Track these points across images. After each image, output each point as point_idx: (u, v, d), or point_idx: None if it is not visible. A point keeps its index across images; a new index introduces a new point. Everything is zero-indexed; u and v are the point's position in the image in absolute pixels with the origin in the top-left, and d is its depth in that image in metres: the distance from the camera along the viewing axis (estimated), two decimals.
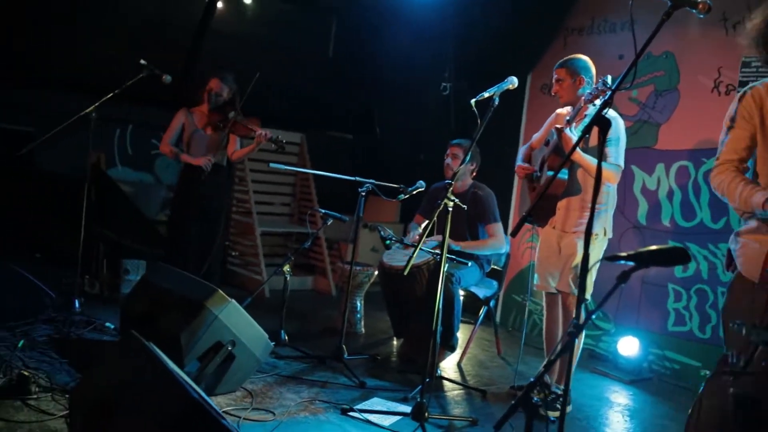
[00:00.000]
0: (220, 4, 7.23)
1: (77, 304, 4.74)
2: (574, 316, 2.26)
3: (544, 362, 2.37)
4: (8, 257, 4.63)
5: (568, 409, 4.01)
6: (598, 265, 3.91)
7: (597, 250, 3.95)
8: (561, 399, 3.87)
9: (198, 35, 7.26)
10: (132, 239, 5.92)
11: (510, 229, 5.71)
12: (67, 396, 3.27)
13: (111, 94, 4.81)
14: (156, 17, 7.02)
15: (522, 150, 4.38)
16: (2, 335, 4.10)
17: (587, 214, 3.88)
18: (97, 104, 4.72)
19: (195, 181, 5.20)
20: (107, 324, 4.57)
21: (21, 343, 3.96)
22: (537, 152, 4.17)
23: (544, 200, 3.76)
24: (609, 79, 3.38)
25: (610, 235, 3.99)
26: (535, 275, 4.23)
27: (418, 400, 3.43)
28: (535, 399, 2.30)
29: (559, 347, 2.33)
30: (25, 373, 3.36)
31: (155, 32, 7.02)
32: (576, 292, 3.79)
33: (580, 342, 4.17)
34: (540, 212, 3.90)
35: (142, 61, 4.82)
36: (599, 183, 2.30)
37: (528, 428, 2.28)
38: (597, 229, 3.89)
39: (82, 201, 4.79)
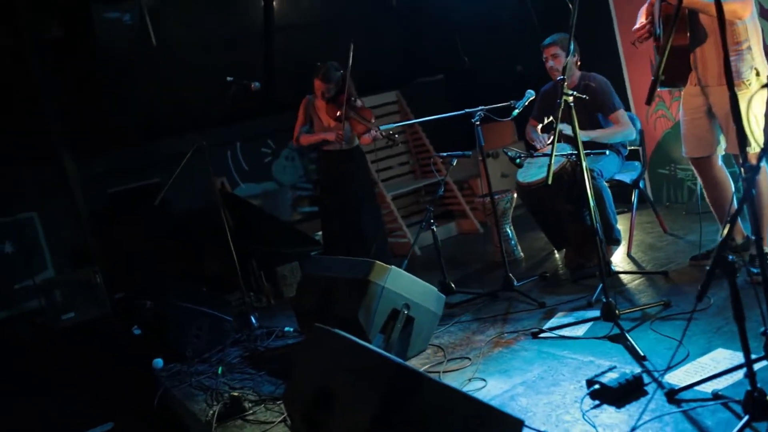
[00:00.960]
0: (275, 1, 7.28)
1: (254, 320, 4.98)
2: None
3: (727, 218, 2.23)
4: (179, 299, 4.93)
5: None
6: (764, 109, 3.41)
7: (759, 98, 3.45)
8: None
9: (267, 37, 7.37)
10: (278, 246, 6.14)
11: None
12: (279, 402, 3.45)
13: (214, 119, 4.97)
14: (223, 36, 7.19)
15: (642, 9, 3.80)
16: (202, 369, 4.39)
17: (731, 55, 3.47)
18: (202, 137, 4.89)
19: (333, 167, 5.25)
20: (286, 328, 4.77)
21: (220, 369, 4.23)
22: (657, 4, 3.62)
23: (672, 57, 3.24)
24: None
25: (766, 75, 3.47)
26: (683, 144, 3.90)
27: (604, 300, 3.35)
28: (731, 258, 2.18)
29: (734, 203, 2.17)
30: (235, 394, 3.58)
31: (228, 50, 7.20)
32: (754, 147, 3.47)
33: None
34: (674, 72, 3.53)
35: (229, 78, 4.94)
36: (724, 24, 2.09)
37: (734, 289, 2.17)
38: (746, 74, 3.43)
39: (223, 226, 5.01)
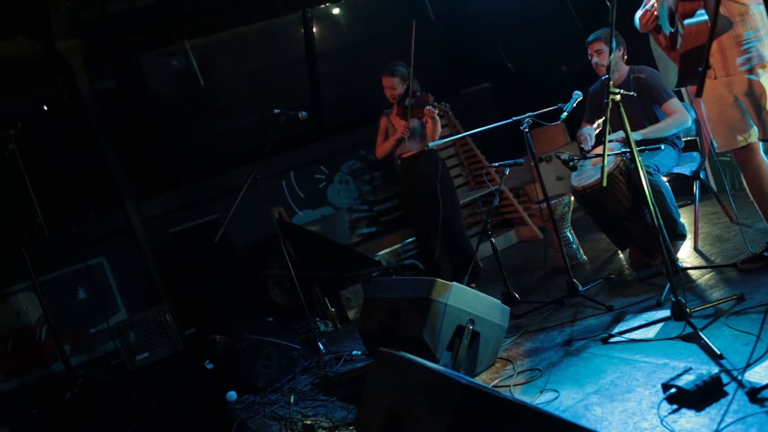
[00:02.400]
0: (315, 29, 7.39)
1: (321, 347, 5.02)
2: None
3: None
4: (248, 332, 5.01)
5: None
6: None
7: None
8: None
9: (310, 65, 7.48)
10: (339, 269, 6.19)
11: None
12: (351, 428, 3.46)
13: (266, 151, 5.07)
14: (267, 69, 7.33)
15: (638, 13, 3.83)
16: (274, 398, 4.45)
17: (746, 44, 3.42)
18: (254, 170, 4.99)
19: (408, 173, 5.40)
20: (354, 352, 4.80)
21: (292, 398, 4.28)
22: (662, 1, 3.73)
23: (692, 54, 3.38)
24: None
25: None
26: (713, 140, 3.79)
27: (673, 299, 3.25)
28: None
29: None
30: (308, 422, 3.62)
31: (273, 82, 7.34)
32: None
33: None
34: (692, 69, 3.48)
35: (276, 110, 5.04)
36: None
37: None
38: (767, 57, 3.41)
39: (283, 255, 5.08)
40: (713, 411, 2.46)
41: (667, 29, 3.64)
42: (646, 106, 4.58)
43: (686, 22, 3.51)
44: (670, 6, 3.55)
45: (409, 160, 5.41)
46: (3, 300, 6.72)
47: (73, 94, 6.24)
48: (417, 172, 5.36)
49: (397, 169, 5.55)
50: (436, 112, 5.04)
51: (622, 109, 3.25)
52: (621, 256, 5.04)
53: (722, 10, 3.43)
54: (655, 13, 3.64)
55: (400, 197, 5.73)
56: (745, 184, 3.83)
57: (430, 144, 5.22)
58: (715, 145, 3.81)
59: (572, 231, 5.41)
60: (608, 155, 3.34)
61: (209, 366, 5.46)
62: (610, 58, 3.35)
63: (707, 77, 3.52)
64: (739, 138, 3.65)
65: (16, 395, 6.54)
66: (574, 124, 5.07)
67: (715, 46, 3.48)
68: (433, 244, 5.24)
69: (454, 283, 3.69)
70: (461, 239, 5.41)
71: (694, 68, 3.39)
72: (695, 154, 4.78)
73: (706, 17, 3.41)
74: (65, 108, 6.48)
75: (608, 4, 3.20)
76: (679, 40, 3.59)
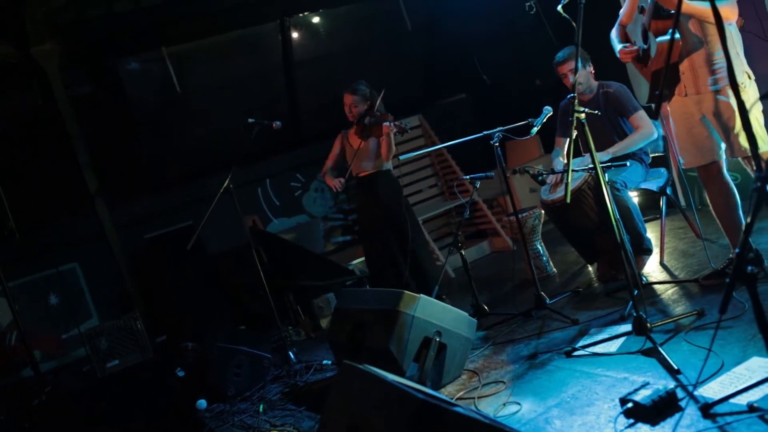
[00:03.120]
0: (294, 37, 7.41)
1: (292, 356, 5.04)
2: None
3: (743, 229, 2.20)
4: (218, 340, 5.02)
5: None
6: (760, 108, 3.54)
7: (752, 98, 3.52)
8: None
9: (287, 72, 7.50)
10: (312, 279, 6.21)
11: None
12: None
13: (236, 162, 5.07)
14: (245, 77, 7.35)
15: (614, 33, 3.96)
16: (244, 407, 4.45)
17: (717, 65, 3.49)
18: (229, 177, 4.99)
19: (365, 193, 5.33)
20: (324, 361, 4.82)
21: (261, 407, 4.29)
22: (632, 26, 3.80)
23: (658, 72, 3.45)
24: None
25: (753, 76, 3.56)
26: (679, 157, 3.85)
27: (635, 314, 3.32)
28: (750, 268, 2.16)
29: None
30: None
31: (250, 90, 7.36)
32: (761, 147, 3.46)
33: None
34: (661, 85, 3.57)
35: (250, 120, 5.04)
36: (722, 26, 2.11)
37: (755, 301, 2.14)
38: (740, 77, 3.47)
39: (257, 264, 5.09)
40: (667, 426, 2.52)
41: (640, 45, 3.71)
42: (614, 120, 4.67)
43: (658, 39, 3.58)
44: (643, 23, 3.62)
45: (364, 180, 5.31)
46: None
47: (48, 98, 6.21)
48: (374, 194, 5.26)
49: (352, 189, 5.48)
50: (394, 130, 4.96)
51: (587, 128, 3.32)
52: (590, 269, 5.11)
53: (695, 30, 3.50)
54: (639, 53, 3.71)
55: (356, 213, 5.60)
56: (708, 201, 3.90)
57: (387, 165, 5.22)
58: (682, 161, 3.87)
59: (542, 243, 5.48)
60: (574, 170, 3.41)
61: (180, 374, 5.45)
62: (575, 76, 3.42)
63: (677, 94, 3.62)
64: (707, 155, 3.71)
65: None
66: (548, 136, 5.14)
67: (686, 64, 3.55)
68: (400, 268, 5.17)
69: (421, 295, 3.73)
70: (426, 264, 5.33)
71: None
72: (662, 170, 4.87)
73: (677, 36, 3.47)
74: (40, 112, 6.45)
75: (574, 24, 3.27)
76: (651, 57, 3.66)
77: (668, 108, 3.77)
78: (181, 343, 5.81)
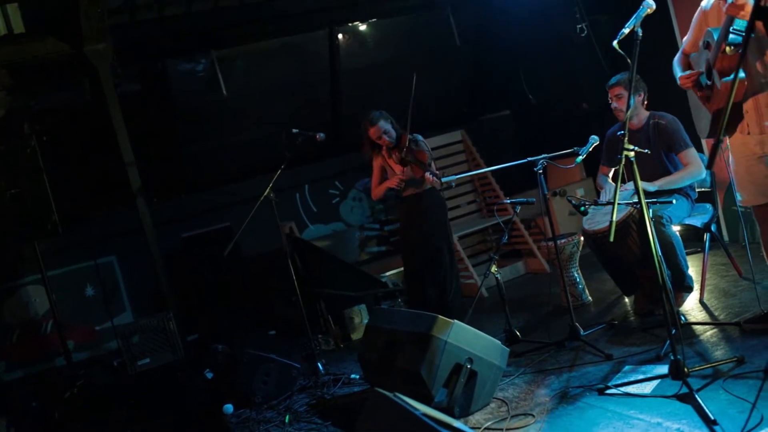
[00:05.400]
0: (341, 46, 7.42)
1: (321, 367, 5.04)
2: None
3: None
4: (248, 345, 5.05)
5: None
6: None
7: None
8: None
9: (333, 80, 7.53)
10: (344, 289, 6.21)
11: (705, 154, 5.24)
12: None
13: (279, 171, 5.10)
14: (291, 82, 7.39)
15: (676, 60, 3.88)
16: (270, 416, 4.47)
17: None
18: (270, 185, 5.03)
19: (410, 211, 5.31)
20: (352, 375, 4.82)
21: (288, 418, 4.30)
22: (696, 56, 3.69)
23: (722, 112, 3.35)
24: None
25: None
26: (737, 193, 3.75)
27: (672, 357, 3.25)
28: None
29: None
30: None
31: (295, 96, 7.40)
32: None
33: None
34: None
35: (294, 130, 5.07)
36: None
37: None
38: None
39: (291, 271, 5.11)
40: None
41: (704, 81, 3.62)
42: (662, 153, 4.59)
43: (724, 79, 3.46)
44: (708, 59, 3.53)
45: (410, 198, 5.28)
46: (13, 291, 6.80)
47: (97, 95, 6.33)
48: (421, 211, 5.23)
49: (392, 200, 5.45)
50: (434, 181, 4.89)
51: (635, 166, 3.26)
52: (626, 300, 5.03)
53: (761, 69, 3.39)
54: (699, 79, 3.61)
55: (399, 232, 5.61)
56: (761, 240, 3.80)
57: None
58: (739, 198, 3.77)
59: (579, 271, 5.41)
60: (619, 204, 3.34)
61: (209, 375, 5.49)
62: (627, 113, 3.36)
63: (740, 131, 3.52)
64: (763, 195, 3.61)
65: (18, 386, 6.61)
66: (592, 158, 5.07)
67: (750, 103, 3.44)
68: (418, 289, 5.20)
69: (455, 321, 3.71)
70: (451, 289, 5.27)
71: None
72: (708, 205, 4.77)
73: (742, 75, 3.37)
74: (88, 109, 6.57)
75: (629, 61, 3.21)
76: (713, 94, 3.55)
77: (728, 142, 3.68)
78: (212, 344, 5.85)
